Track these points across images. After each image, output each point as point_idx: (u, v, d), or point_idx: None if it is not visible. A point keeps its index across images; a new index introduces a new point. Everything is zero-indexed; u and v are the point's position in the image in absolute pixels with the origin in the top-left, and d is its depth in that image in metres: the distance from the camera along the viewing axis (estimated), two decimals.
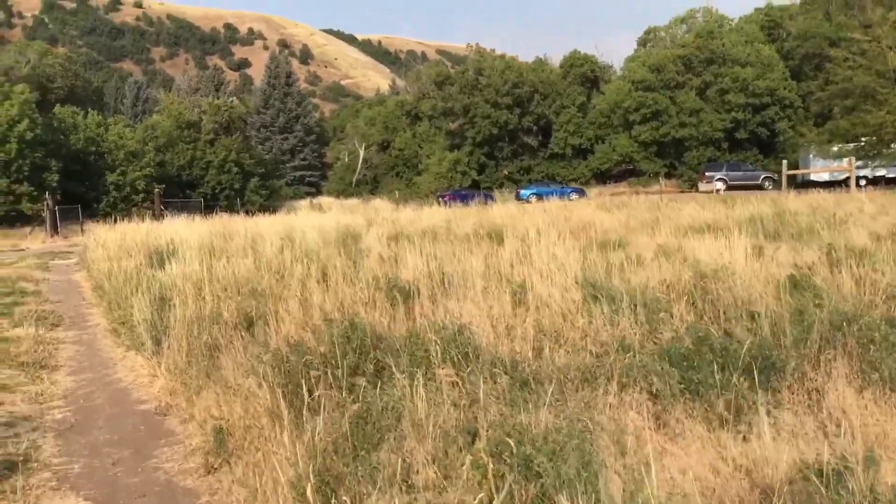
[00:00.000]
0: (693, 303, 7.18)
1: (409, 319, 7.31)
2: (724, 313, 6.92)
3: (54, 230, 36.76)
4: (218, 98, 61.29)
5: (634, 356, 5.66)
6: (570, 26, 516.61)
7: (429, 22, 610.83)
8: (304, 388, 5.04)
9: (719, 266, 8.29)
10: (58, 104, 49.27)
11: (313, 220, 19.96)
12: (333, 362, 5.43)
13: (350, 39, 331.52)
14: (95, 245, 17.25)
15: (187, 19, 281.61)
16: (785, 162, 43.40)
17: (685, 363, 5.33)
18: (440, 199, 52.81)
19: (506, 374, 5.42)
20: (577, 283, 7.48)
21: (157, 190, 33.13)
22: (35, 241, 34.22)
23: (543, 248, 10.06)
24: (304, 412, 4.85)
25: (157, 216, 31.63)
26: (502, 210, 23.61)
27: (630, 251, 11.79)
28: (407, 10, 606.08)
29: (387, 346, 6.15)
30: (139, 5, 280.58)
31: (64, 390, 7.46)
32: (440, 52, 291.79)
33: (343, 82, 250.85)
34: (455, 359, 5.67)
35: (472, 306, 7.41)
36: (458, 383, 5.28)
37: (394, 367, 5.32)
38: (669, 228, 15.48)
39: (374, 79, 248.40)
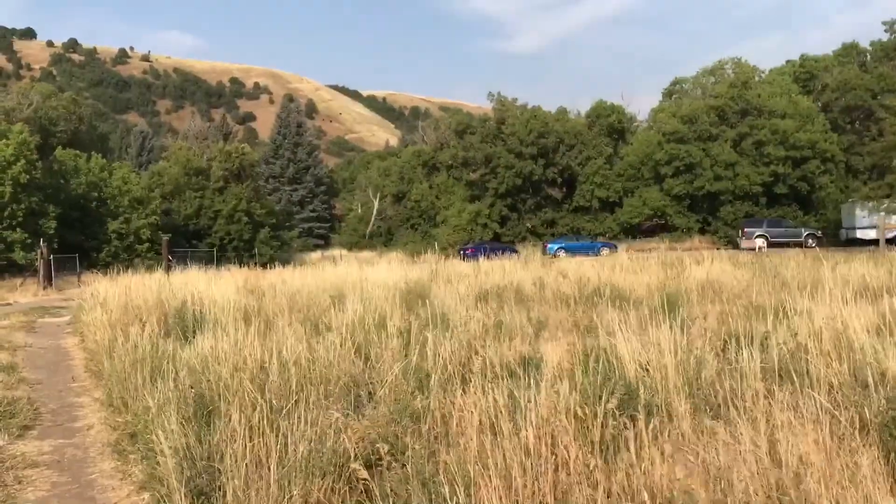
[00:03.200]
0: None
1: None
2: None
3: (48, 282, 33.05)
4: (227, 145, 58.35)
5: None
6: (580, 80, 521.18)
7: (432, 79, 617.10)
8: None
9: None
10: (59, 147, 46.19)
11: (361, 274, 16.36)
12: None
13: (355, 95, 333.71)
14: (92, 303, 13.36)
15: (194, 73, 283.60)
16: (881, 216, 40.57)
17: None
18: (462, 252, 49.34)
19: None
20: None
21: (165, 238, 29.58)
22: (26, 293, 30.55)
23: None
24: None
25: (166, 268, 28.05)
26: (573, 265, 20.04)
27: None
28: (411, 67, 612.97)
29: None
30: (146, 59, 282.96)
31: None
32: (443, 108, 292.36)
33: (347, 137, 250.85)
34: None
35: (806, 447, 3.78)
36: None
37: None
38: (835, 292, 11.86)
39: (378, 134, 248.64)
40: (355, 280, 14.50)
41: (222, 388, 5.40)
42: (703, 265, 17.59)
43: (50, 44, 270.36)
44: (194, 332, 8.70)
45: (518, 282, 14.15)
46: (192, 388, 5.61)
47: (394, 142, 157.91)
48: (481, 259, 32.04)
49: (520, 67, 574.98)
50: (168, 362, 6.66)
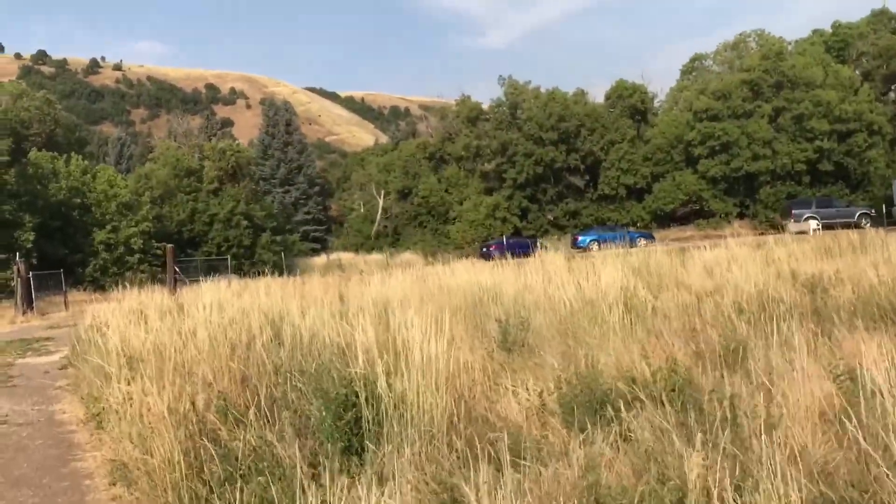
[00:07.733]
0: None
1: None
2: None
3: (27, 305, 27.78)
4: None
5: None
6: (560, 71, 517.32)
7: (409, 78, 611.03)
8: None
9: None
10: (35, 150, 40.83)
11: (483, 281, 11.51)
12: None
13: (333, 97, 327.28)
14: (101, 347, 7.75)
15: (168, 81, 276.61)
16: None
17: None
18: (486, 251, 44.27)
19: None
20: None
21: (169, 248, 24.62)
22: (1, 321, 25.39)
23: None
24: None
25: (172, 283, 23.04)
26: (718, 257, 15.25)
27: None
28: (387, 67, 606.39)
29: None
30: (119, 68, 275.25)
31: None
32: (423, 106, 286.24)
33: (328, 139, 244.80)
34: None
35: None
36: None
37: None
38: None
39: (358, 134, 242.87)
40: (503, 293, 9.67)
41: None
42: None
43: (18, 56, 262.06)
44: (372, 427, 3.81)
45: (755, 287, 9.37)
46: None
47: (373, 141, 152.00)
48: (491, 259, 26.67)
49: (494, 62, 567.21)
50: None
